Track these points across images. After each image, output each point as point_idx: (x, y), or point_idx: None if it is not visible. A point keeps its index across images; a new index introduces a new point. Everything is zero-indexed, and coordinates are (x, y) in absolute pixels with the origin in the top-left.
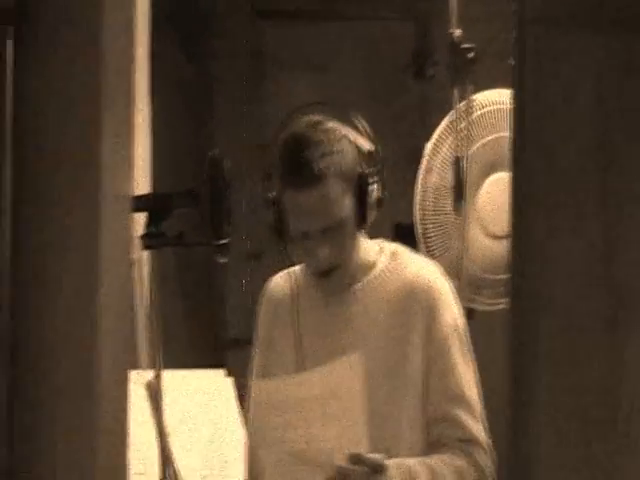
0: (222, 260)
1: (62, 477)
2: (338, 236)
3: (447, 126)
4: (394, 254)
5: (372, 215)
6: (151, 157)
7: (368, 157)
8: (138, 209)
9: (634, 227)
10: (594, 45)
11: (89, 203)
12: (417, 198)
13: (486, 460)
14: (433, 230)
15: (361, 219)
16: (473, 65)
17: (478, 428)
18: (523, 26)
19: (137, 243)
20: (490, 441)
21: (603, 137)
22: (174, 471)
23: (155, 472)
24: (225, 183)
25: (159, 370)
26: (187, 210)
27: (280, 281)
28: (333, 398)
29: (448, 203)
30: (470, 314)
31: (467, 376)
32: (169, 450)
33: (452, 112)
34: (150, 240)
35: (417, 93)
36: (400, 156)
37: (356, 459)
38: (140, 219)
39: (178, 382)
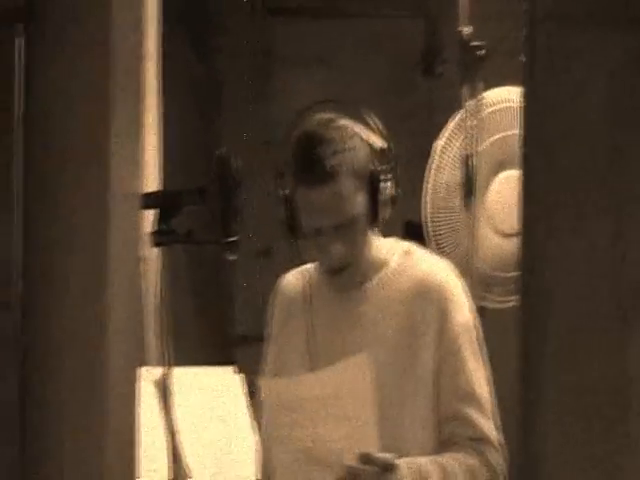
0: (231, 257)
1: (69, 476)
2: (350, 233)
3: (457, 124)
4: (407, 252)
5: (386, 213)
6: (161, 155)
7: (380, 154)
8: (148, 206)
9: None
10: (610, 43)
11: (97, 201)
12: (427, 196)
13: (498, 458)
14: (443, 228)
15: (373, 217)
16: (483, 63)
17: (489, 427)
18: (534, 24)
19: (147, 240)
20: (502, 439)
21: (613, 136)
22: (184, 468)
23: (165, 469)
24: (234, 181)
25: (169, 367)
26: (196, 208)
27: (292, 279)
28: (343, 398)
29: (458, 201)
30: (481, 312)
31: (478, 374)
32: (179, 447)
33: (462, 110)
34: (160, 237)
35: (426, 91)
36: (409, 154)
37: (366, 459)
38: (150, 216)
39: (188, 379)
